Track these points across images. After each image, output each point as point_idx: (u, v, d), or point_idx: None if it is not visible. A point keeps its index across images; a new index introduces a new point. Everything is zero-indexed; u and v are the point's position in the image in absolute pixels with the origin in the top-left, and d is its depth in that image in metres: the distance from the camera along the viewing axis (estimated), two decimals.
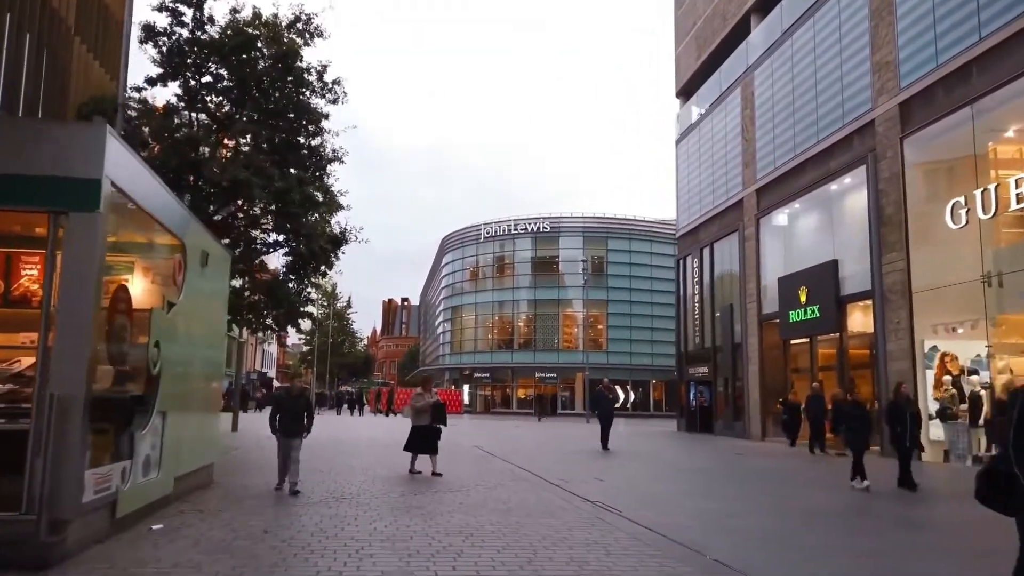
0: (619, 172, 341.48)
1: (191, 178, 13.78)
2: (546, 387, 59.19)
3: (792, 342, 22.63)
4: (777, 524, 8.06)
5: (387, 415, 39.50)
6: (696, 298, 29.64)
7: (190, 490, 8.44)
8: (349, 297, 76.02)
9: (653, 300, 59.05)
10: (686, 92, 32.95)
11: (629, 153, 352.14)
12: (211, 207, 14.28)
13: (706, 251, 29.08)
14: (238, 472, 11.30)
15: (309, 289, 16.56)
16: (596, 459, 15.80)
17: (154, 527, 6.48)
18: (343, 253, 16.53)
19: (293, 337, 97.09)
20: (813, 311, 20.56)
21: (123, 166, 5.91)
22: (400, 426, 27.19)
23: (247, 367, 68.74)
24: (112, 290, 6.28)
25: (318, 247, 15.15)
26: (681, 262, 31.87)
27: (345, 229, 16.41)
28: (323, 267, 16.32)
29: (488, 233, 61.92)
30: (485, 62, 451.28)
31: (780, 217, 24.00)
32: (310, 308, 18.55)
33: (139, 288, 7.00)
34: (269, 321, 16.60)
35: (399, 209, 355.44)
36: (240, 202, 14.81)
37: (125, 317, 6.49)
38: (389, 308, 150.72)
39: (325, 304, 69.43)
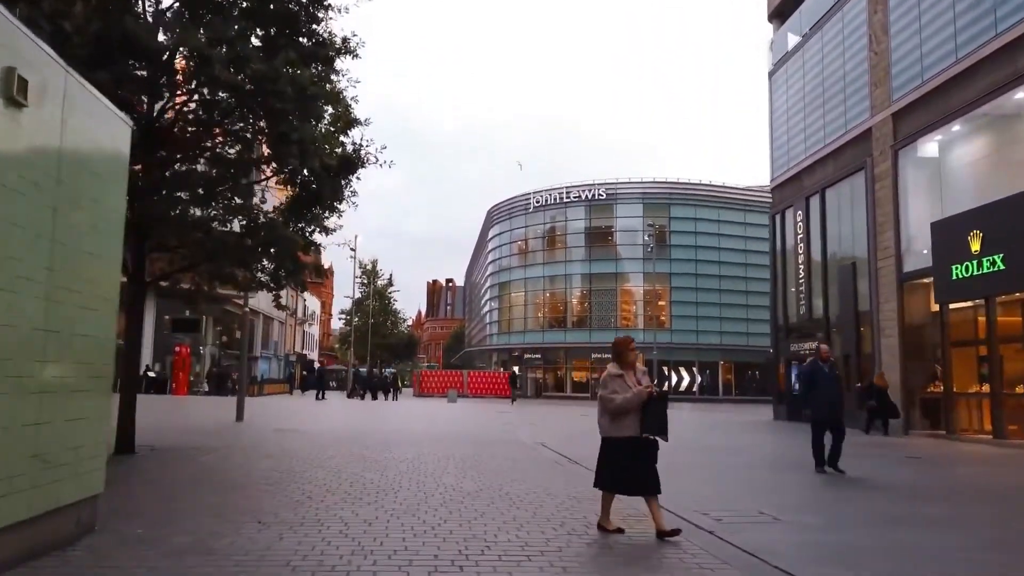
0: (675, 139, 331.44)
1: (130, 60, 9.33)
2: (604, 369, 54.19)
3: (952, 307, 17.24)
4: None
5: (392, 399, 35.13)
6: (800, 259, 24.27)
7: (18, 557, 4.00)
8: (391, 275, 71.86)
9: (722, 272, 53.40)
10: (781, 13, 27.31)
11: (684, 119, 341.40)
12: (151, 98, 9.88)
13: (814, 200, 23.66)
14: (180, 498, 6.84)
15: (313, 230, 12.05)
16: (770, 480, 10.95)
17: None
18: (358, 179, 11.95)
19: (337, 322, 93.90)
20: (995, 262, 15.14)
21: None
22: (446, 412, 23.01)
23: (285, 347, 65.87)
24: None
25: (318, 166, 10.57)
26: (777, 218, 26.45)
27: (359, 146, 11.80)
28: (331, 201, 11.76)
29: (538, 203, 56.97)
30: (523, 32, 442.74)
31: (928, 146, 18.50)
32: (318, 260, 14.46)
33: None
34: (263, 277, 12.19)
35: (442, 191, 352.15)
36: (204, 92, 10.33)
37: None
38: (434, 289, 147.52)
39: (365, 282, 65.77)
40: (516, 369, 56.35)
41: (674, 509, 6.53)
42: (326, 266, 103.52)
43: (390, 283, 70.63)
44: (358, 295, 64.73)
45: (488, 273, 64.99)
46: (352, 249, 42.60)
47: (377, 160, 11.92)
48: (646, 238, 47.20)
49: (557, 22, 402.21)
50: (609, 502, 5.91)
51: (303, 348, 75.55)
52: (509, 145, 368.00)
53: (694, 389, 53.02)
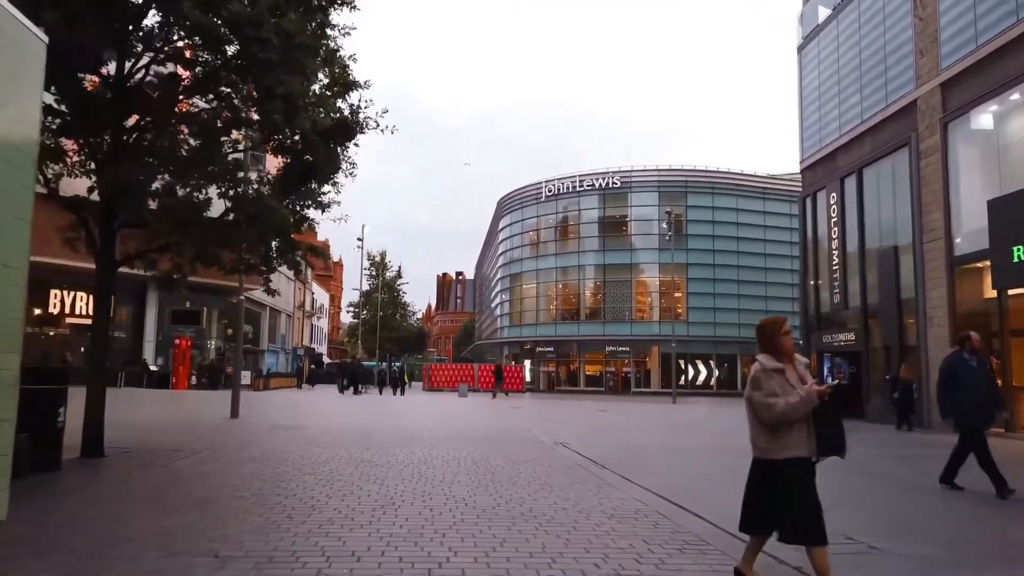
0: (692, 126, 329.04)
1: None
2: (618, 362, 52.81)
3: (1012, 292, 15.69)
4: None
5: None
6: (834, 244, 22.73)
7: None
8: (399, 267, 70.74)
9: (740, 263, 51.72)
10: None
11: (701, 108, 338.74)
12: (121, 55, 8.57)
13: (849, 181, 22.10)
14: (128, 520, 5.50)
15: (306, 204, 10.70)
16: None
17: None
18: (356, 146, 10.58)
19: (346, 316, 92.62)
20: None
21: None
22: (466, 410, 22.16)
23: (293, 341, 64.75)
24: None
25: (309, 128, 9.22)
26: (808, 201, 24.89)
27: (357, 108, 10.41)
28: (326, 172, 10.40)
29: (550, 191, 55.42)
30: (533, 18, 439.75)
31: (983, 118, 16.93)
32: (314, 238, 13.13)
33: None
34: (252, 259, 10.85)
35: (451, 182, 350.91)
36: (179, 45, 9.00)
37: None
38: (443, 282, 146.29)
39: (373, 274, 64.60)
40: (528, 360, 55.12)
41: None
42: (335, 259, 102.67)
43: (399, 275, 69.60)
44: (366, 287, 63.63)
45: (499, 265, 63.58)
46: (359, 239, 41.35)
47: (377, 125, 10.53)
48: (664, 226, 45.57)
49: (568, 8, 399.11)
50: (758, 547, 4.27)
51: (312, 342, 74.51)
52: (520, 135, 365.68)
53: (711, 383, 51.46)
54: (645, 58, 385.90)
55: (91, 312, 12.39)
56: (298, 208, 10.91)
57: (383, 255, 65.34)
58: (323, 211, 11.19)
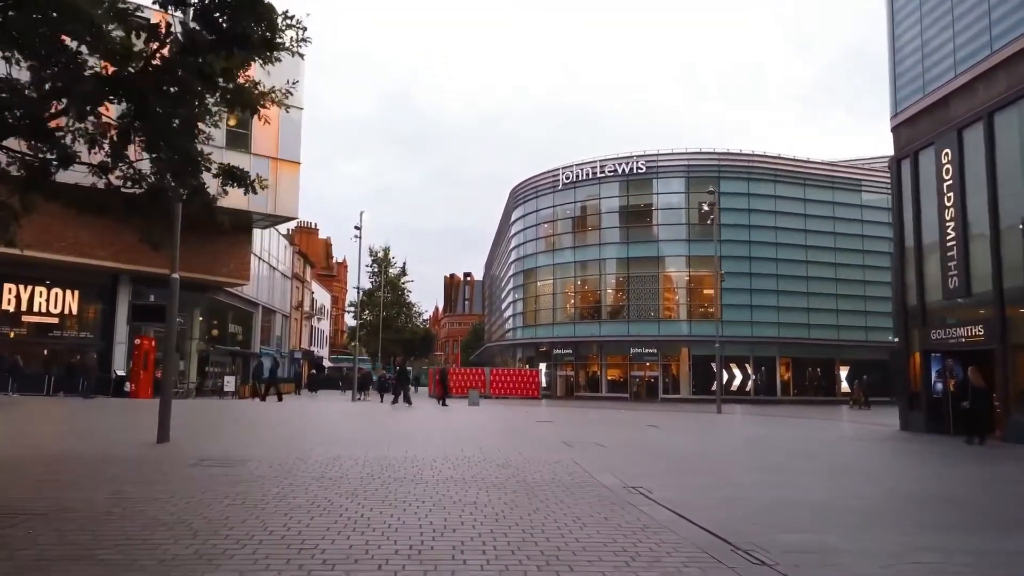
0: (713, 115, 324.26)
1: None
2: (644, 365, 47.90)
3: None
4: None
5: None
6: (948, 213, 17.87)
7: None
8: (404, 263, 65.79)
9: (779, 256, 46.82)
10: None
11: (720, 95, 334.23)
12: None
13: (971, 132, 17.27)
14: None
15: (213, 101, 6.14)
16: None
17: None
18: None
19: (351, 318, 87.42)
20: None
21: None
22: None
23: (289, 344, 60.12)
24: None
25: None
26: (904, 164, 20.03)
27: None
28: (242, 31, 5.71)
29: (568, 179, 50.63)
30: (537, 8, 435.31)
31: None
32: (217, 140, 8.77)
33: None
34: (143, 167, 6.24)
35: (457, 184, 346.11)
36: None
37: None
38: (451, 284, 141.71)
39: (375, 271, 59.99)
40: (543, 364, 50.33)
41: None
42: (339, 260, 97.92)
43: (403, 272, 64.91)
44: (368, 285, 58.98)
45: (511, 260, 58.78)
46: (357, 227, 36.68)
47: None
48: (703, 211, 40.72)
49: (570, 9, 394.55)
50: None
51: (311, 345, 69.90)
52: (528, 134, 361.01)
53: (747, 388, 46.53)
54: (649, 59, 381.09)
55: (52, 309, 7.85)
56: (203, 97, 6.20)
57: (386, 251, 60.67)
58: (229, 106, 6.47)
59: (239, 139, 32.19)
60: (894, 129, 20.44)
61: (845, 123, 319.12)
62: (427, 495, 7.14)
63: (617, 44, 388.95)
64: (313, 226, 76.30)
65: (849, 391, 43.20)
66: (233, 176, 6.55)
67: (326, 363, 76.72)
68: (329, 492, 7.20)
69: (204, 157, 6.32)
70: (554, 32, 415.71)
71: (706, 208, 37.92)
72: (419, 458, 10.21)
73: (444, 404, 28.21)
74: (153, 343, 25.85)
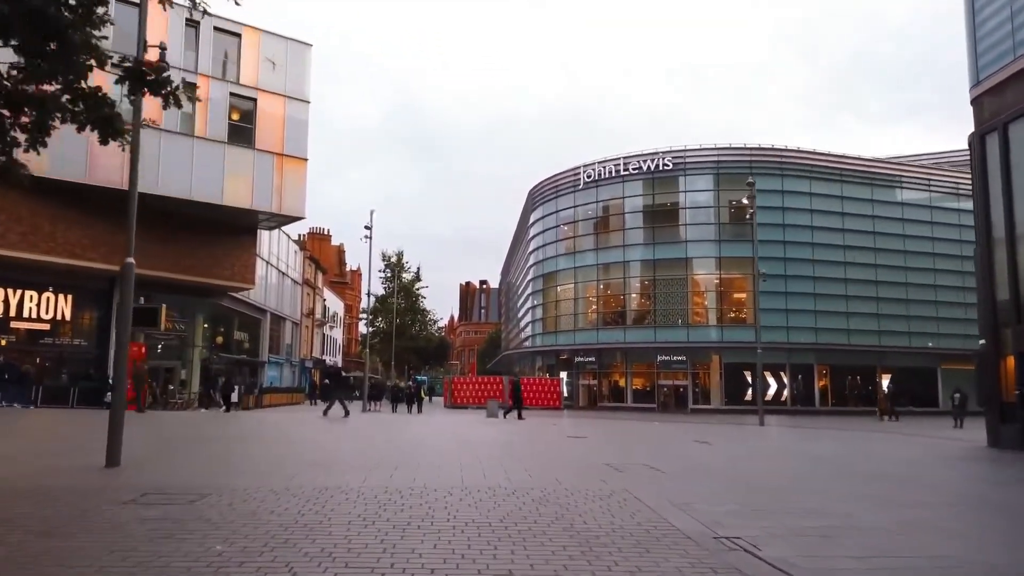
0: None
1: None
2: (672, 374, 45.21)
3: None
4: None
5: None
6: None
7: None
8: (418, 268, 63.30)
9: (816, 256, 44.03)
10: None
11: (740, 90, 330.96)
12: None
13: None
14: None
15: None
16: None
17: None
18: None
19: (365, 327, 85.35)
20: None
21: None
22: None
23: (300, 352, 58.02)
24: None
25: None
26: (989, 139, 17.43)
27: None
28: None
29: (589, 177, 48.21)
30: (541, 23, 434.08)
31: None
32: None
33: None
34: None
35: (468, 193, 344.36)
36: None
37: None
38: (467, 292, 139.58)
39: (388, 276, 57.89)
40: (564, 372, 47.78)
41: None
42: (353, 268, 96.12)
43: (418, 277, 62.67)
44: (380, 291, 56.84)
45: (529, 264, 56.37)
46: (367, 227, 34.48)
47: None
48: (737, 208, 38.10)
49: (574, 10, 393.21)
50: None
51: (323, 353, 67.80)
52: (536, 135, 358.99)
53: (783, 398, 43.67)
54: (648, 59, 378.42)
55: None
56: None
57: (400, 255, 58.53)
58: None
59: (242, 133, 30.23)
60: (974, 100, 17.84)
61: (854, 127, 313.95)
62: (438, 556, 4.77)
63: (628, 47, 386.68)
64: (325, 232, 74.39)
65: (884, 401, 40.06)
66: (138, 76, 4.28)
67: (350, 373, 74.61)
68: (295, 552, 4.84)
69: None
70: (555, 33, 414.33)
71: (745, 202, 35.23)
72: (430, 489, 7.83)
73: (520, 417, 25.53)
74: (144, 349, 23.70)
